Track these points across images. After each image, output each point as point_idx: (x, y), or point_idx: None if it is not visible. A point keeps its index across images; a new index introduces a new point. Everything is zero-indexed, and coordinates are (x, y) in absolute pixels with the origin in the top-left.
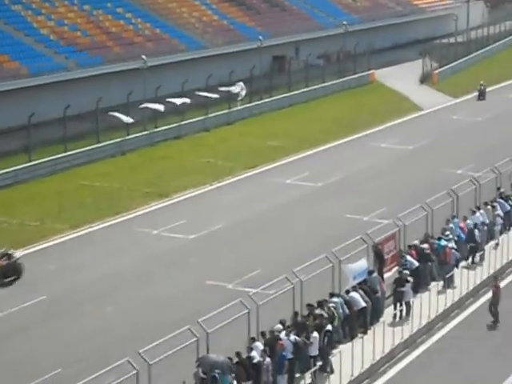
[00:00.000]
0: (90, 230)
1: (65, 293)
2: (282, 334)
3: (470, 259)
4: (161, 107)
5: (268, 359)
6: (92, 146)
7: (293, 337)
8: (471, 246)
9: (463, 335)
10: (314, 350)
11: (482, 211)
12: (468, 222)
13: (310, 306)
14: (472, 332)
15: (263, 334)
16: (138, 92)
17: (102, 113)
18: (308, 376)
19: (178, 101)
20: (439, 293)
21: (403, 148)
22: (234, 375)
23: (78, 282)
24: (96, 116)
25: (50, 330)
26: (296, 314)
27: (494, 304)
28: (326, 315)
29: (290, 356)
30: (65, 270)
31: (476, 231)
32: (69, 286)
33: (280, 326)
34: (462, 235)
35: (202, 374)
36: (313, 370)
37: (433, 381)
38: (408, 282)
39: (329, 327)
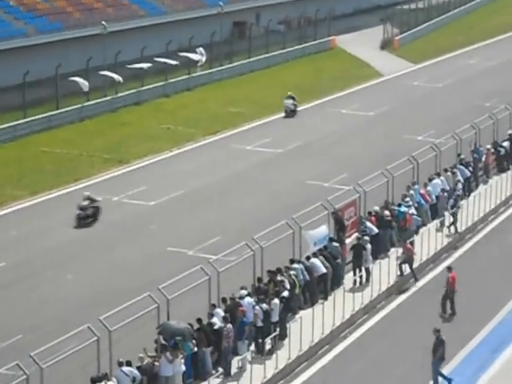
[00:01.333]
0: (50, 196)
1: (25, 259)
2: (246, 301)
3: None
4: (118, 77)
5: (229, 325)
6: (51, 113)
7: (264, 305)
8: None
9: (422, 301)
10: (274, 317)
11: (442, 178)
12: (428, 188)
13: (270, 272)
14: (431, 298)
15: (224, 300)
16: (98, 58)
17: (62, 79)
18: (268, 342)
19: (144, 65)
20: (399, 259)
21: (364, 114)
22: (194, 342)
23: (38, 248)
24: (56, 82)
25: (10, 297)
26: (259, 280)
27: (448, 296)
28: (286, 282)
29: (260, 324)
30: (25, 237)
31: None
32: (29, 253)
33: (244, 292)
34: (423, 202)
35: (162, 341)
36: (272, 335)
37: (392, 346)
38: (365, 249)
39: (285, 294)
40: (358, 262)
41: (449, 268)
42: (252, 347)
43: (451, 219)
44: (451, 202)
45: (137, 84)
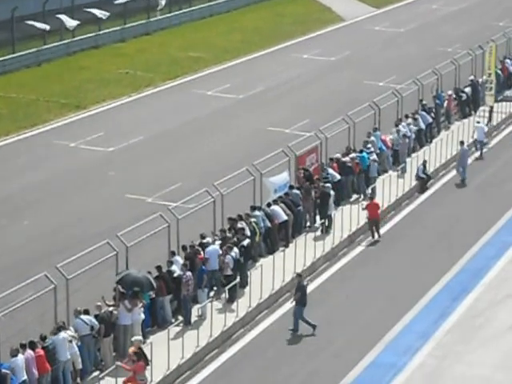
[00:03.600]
0: (6, 142)
1: None
2: (212, 248)
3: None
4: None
5: (188, 273)
6: (7, 56)
7: (234, 253)
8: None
9: (385, 249)
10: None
11: (403, 123)
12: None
13: (231, 219)
14: (394, 243)
15: (184, 247)
16: (55, 0)
17: (18, 22)
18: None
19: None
20: (360, 206)
21: (325, 59)
22: (153, 292)
23: None
24: (12, 25)
25: None
26: (226, 229)
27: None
28: (247, 229)
29: (229, 272)
30: None
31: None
32: None
33: (209, 239)
34: (384, 148)
35: (121, 289)
36: (232, 283)
37: (354, 294)
38: (329, 195)
39: (245, 242)
40: (325, 209)
41: (370, 197)
42: (211, 294)
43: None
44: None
45: (94, 28)
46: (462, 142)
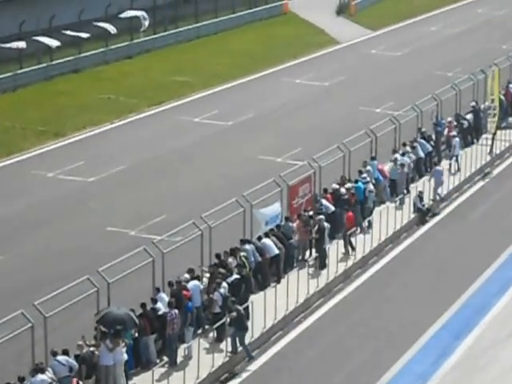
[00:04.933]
0: None
1: None
2: (193, 284)
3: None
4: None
5: (174, 311)
6: None
7: (222, 290)
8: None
9: (381, 283)
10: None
11: (401, 152)
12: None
13: (218, 256)
14: (393, 278)
15: (170, 283)
16: (31, 22)
17: None
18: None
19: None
20: (357, 239)
21: (319, 84)
22: (136, 329)
23: None
24: None
25: None
26: (215, 263)
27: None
28: (234, 264)
29: (217, 310)
30: None
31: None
32: None
33: (187, 276)
34: (381, 177)
35: (102, 328)
36: (220, 322)
37: (350, 332)
38: (325, 229)
39: (233, 277)
40: (321, 244)
41: (346, 209)
42: (198, 333)
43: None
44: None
45: (74, 51)
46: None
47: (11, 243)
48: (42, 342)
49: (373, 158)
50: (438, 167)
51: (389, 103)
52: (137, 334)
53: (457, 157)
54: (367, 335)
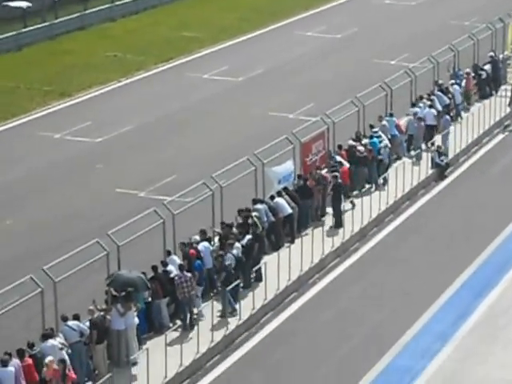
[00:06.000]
0: None
1: None
2: (202, 246)
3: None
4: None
5: (187, 274)
6: None
7: (235, 251)
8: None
9: (399, 242)
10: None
11: (419, 105)
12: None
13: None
14: (410, 237)
15: (184, 245)
16: None
17: None
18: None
19: None
20: (372, 196)
21: (331, 37)
22: (149, 292)
23: None
24: None
25: None
26: (227, 224)
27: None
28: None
29: (231, 268)
30: None
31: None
32: None
33: (197, 237)
34: (397, 133)
35: (113, 292)
36: (233, 284)
37: (365, 291)
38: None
39: (247, 238)
40: (338, 203)
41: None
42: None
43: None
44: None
45: (79, 7)
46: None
47: (19, 207)
48: (51, 307)
49: (391, 115)
50: (446, 116)
51: (404, 55)
52: (149, 299)
53: (457, 106)
54: (384, 296)
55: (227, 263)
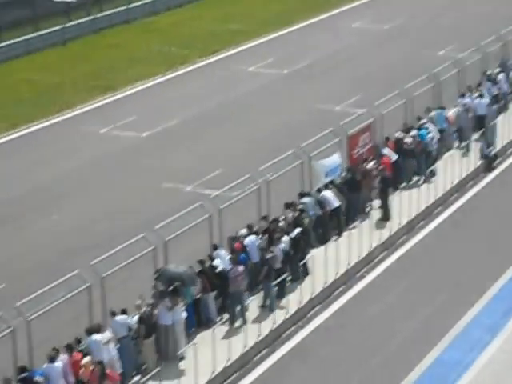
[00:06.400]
0: (31, 129)
1: (6, 200)
2: (249, 240)
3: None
4: None
5: (240, 267)
6: (30, 35)
7: (283, 245)
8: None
9: (447, 235)
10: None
11: (468, 96)
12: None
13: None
14: (459, 229)
15: (233, 239)
16: None
17: None
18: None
19: None
20: (421, 189)
21: (377, 28)
22: (198, 288)
23: (20, 187)
24: (33, 1)
25: None
26: (264, 217)
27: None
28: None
29: (278, 266)
30: (3, 175)
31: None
32: (10, 193)
33: (244, 231)
34: (445, 125)
35: (161, 287)
36: (281, 278)
37: (413, 284)
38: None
39: (295, 232)
40: (385, 195)
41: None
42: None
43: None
44: None
45: (124, 1)
46: None
47: (65, 202)
48: (99, 302)
49: (441, 108)
50: (494, 106)
51: (451, 45)
52: (199, 295)
53: (505, 96)
54: (432, 289)
55: (268, 256)
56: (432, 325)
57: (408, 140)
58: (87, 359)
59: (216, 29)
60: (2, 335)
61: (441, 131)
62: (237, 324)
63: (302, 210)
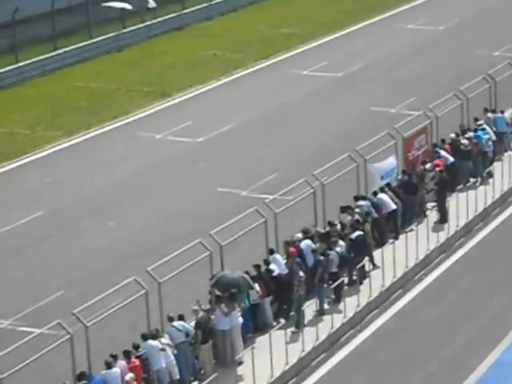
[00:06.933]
0: (87, 136)
1: (63, 207)
2: (304, 244)
3: None
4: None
5: (302, 273)
6: (84, 43)
7: (339, 248)
8: None
9: (506, 236)
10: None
11: None
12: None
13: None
14: None
15: (288, 243)
16: None
17: (94, 4)
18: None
19: None
20: (478, 191)
21: (433, 29)
22: (257, 294)
23: (77, 194)
24: (87, 7)
25: (49, 249)
26: (330, 223)
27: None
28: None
29: (335, 269)
30: (61, 183)
31: None
32: (67, 200)
33: (300, 235)
34: (506, 130)
35: (217, 292)
36: (338, 281)
37: (472, 287)
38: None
39: (353, 235)
40: (442, 197)
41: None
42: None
43: None
44: None
45: (177, 7)
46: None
47: (122, 208)
48: (156, 308)
49: (501, 112)
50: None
51: (507, 45)
52: (258, 300)
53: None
54: (491, 291)
55: (322, 259)
56: (491, 327)
57: (464, 141)
58: (130, 375)
59: (270, 33)
60: (61, 341)
61: (501, 133)
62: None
63: (367, 213)
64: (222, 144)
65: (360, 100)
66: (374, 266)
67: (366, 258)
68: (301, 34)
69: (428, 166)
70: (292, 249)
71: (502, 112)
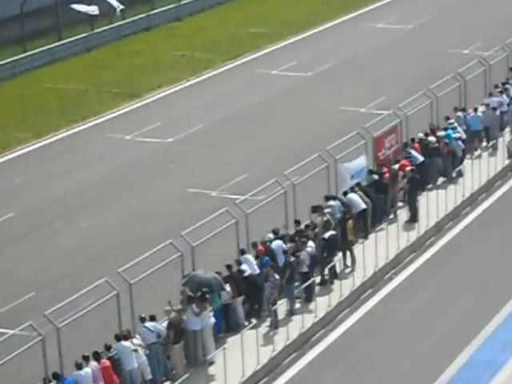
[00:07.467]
0: (57, 137)
1: (34, 208)
2: (275, 244)
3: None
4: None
5: (276, 276)
6: (54, 44)
7: (309, 249)
8: None
9: (476, 235)
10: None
11: (495, 95)
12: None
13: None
14: (485, 231)
15: (254, 244)
16: None
17: (63, 6)
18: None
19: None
20: (448, 189)
21: (402, 27)
22: (229, 294)
23: (47, 195)
24: (56, 10)
25: (20, 250)
26: (298, 222)
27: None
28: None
29: (305, 269)
30: (32, 184)
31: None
32: (37, 201)
33: (271, 236)
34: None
35: (189, 293)
36: (308, 282)
37: (443, 286)
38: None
39: (329, 233)
40: (413, 197)
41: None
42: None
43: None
44: None
45: (146, 7)
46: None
47: (93, 210)
48: (127, 309)
49: (475, 109)
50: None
51: (477, 43)
52: (229, 300)
53: None
54: (462, 290)
55: (292, 260)
56: (463, 326)
57: (432, 139)
58: None
59: (239, 33)
60: (33, 343)
61: (475, 133)
62: (265, 329)
63: (329, 213)
64: (192, 144)
65: (329, 100)
66: (346, 266)
67: (340, 256)
68: (270, 33)
69: (396, 166)
70: (260, 247)
71: (476, 110)
